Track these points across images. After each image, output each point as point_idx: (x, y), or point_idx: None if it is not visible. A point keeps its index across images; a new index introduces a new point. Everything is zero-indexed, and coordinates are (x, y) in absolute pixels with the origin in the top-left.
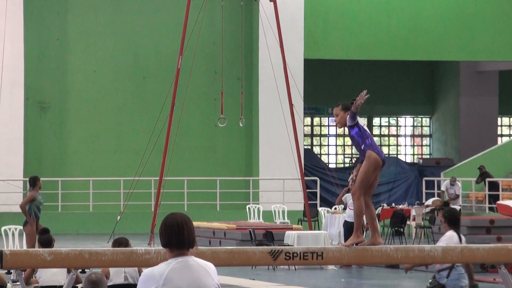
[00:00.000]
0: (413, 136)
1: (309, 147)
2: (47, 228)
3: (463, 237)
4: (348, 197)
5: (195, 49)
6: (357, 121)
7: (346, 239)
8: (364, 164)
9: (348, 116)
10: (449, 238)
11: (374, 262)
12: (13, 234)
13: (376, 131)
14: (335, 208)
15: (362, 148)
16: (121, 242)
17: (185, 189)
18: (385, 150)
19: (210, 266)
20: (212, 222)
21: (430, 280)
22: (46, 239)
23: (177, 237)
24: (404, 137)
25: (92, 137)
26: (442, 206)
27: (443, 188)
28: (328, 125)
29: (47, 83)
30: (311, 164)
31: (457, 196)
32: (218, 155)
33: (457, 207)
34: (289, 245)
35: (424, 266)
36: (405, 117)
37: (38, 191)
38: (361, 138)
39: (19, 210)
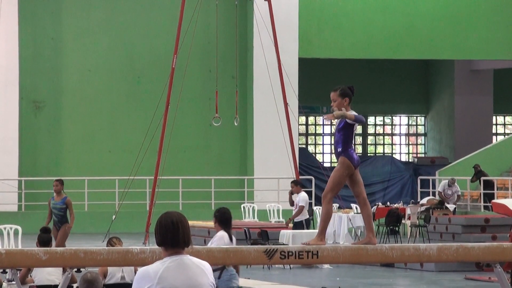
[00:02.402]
0: (408, 135)
1: (304, 146)
2: (48, 227)
3: (233, 237)
4: (294, 197)
5: (190, 48)
6: (355, 125)
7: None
8: (338, 169)
9: (354, 115)
10: (220, 238)
11: (370, 261)
12: (8, 234)
13: (370, 129)
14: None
15: (338, 150)
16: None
17: (180, 188)
18: (379, 149)
19: (205, 265)
20: (207, 221)
21: None
22: (45, 238)
23: (172, 236)
24: (399, 136)
25: (87, 137)
26: (438, 204)
27: (440, 189)
28: (323, 124)
29: (41, 83)
30: (306, 163)
31: (458, 197)
32: (212, 154)
33: (452, 206)
34: (284, 244)
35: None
36: (400, 116)
37: (56, 194)
38: (344, 140)
39: (15, 209)
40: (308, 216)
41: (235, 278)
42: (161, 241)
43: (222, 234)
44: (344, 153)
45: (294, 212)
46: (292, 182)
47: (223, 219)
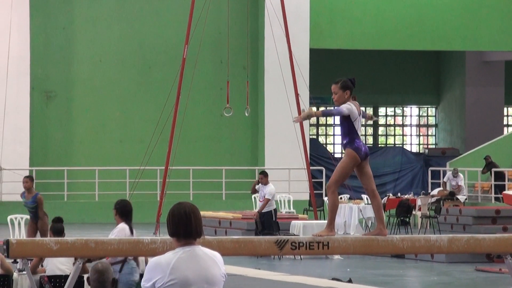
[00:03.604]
0: (418, 126)
1: (315, 136)
2: (61, 217)
3: (134, 230)
4: (260, 188)
5: (201, 38)
6: (353, 116)
7: (262, 229)
8: (344, 160)
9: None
10: (121, 230)
11: (380, 252)
12: (19, 223)
13: (381, 120)
14: (341, 198)
15: (344, 142)
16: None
17: (191, 179)
18: (390, 140)
19: (217, 256)
20: (218, 212)
21: None
22: (59, 228)
23: (185, 226)
24: (410, 127)
25: (97, 127)
26: (448, 196)
27: (445, 179)
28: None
29: (53, 73)
30: (317, 153)
31: (459, 187)
32: (223, 144)
33: (463, 197)
34: (295, 235)
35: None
36: (411, 107)
37: (26, 192)
38: (346, 132)
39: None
40: (275, 207)
41: (136, 272)
42: (173, 232)
43: (123, 226)
44: (349, 145)
45: (259, 203)
46: (261, 173)
47: (124, 211)
